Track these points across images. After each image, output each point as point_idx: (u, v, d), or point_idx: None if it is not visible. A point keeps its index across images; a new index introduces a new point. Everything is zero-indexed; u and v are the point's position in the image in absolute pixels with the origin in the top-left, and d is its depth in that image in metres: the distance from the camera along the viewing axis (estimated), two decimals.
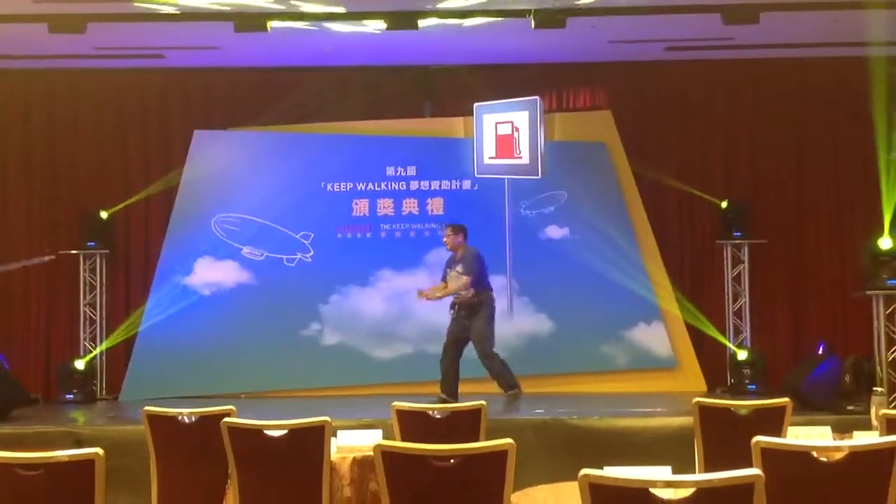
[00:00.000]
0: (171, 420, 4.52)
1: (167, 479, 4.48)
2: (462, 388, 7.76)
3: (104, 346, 9.16)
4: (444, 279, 7.89)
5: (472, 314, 7.69)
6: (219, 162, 9.37)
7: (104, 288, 9.28)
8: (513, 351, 8.78)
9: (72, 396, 8.73)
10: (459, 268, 7.71)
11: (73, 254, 9.21)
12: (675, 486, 2.69)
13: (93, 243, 9.13)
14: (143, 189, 9.34)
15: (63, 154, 9.35)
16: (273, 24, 7.64)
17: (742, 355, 8.83)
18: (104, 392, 9.12)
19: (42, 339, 9.34)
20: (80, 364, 8.89)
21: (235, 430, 4.02)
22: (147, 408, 4.60)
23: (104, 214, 9.14)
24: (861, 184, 9.33)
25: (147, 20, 7.72)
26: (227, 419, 4.10)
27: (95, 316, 9.23)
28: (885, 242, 7.92)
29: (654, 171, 9.31)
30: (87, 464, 3.18)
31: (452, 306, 7.77)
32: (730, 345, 9.11)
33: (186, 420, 4.50)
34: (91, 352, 9.13)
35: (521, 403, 7.55)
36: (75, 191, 9.42)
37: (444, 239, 7.91)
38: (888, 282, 7.75)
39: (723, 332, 9.17)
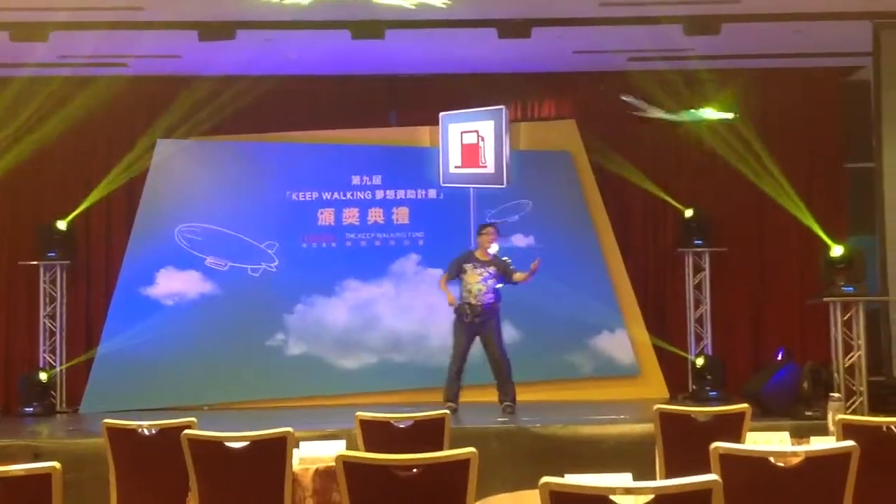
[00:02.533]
0: (131, 432, 4.47)
1: (127, 493, 4.43)
2: (432, 397, 7.75)
3: (70, 363, 9.05)
4: (457, 275, 7.52)
5: (489, 319, 7.47)
6: (182, 171, 9.32)
7: (64, 299, 9.18)
8: (477, 359, 8.77)
9: (31, 409, 8.61)
10: (492, 269, 7.49)
11: (33, 264, 9.09)
12: (635, 493, 2.71)
13: (53, 253, 9.02)
14: (104, 199, 9.25)
15: (24, 163, 9.22)
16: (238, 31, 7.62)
17: (702, 362, 8.92)
18: (64, 405, 9.01)
19: (0, 352, 9.20)
20: (42, 376, 8.77)
21: (196, 442, 3.99)
22: (106, 420, 4.55)
23: (62, 225, 9.02)
24: (820, 192, 9.49)
25: (110, 28, 7.67)
26: (187, 431, 4.06)
27: (55, 328, 9.12)
28: (836, 250, 8.04)
29: (618, 180, 9.41)
30: (44, 477, 3.13)
31: (465, 312, 7.42)
32: (690, 352, 9.21)
33: (146, 432, 4.45)
34: (51, 363, 9.01)
35: (479, 412, 7.55)
36: (37, 200, 9.31)
37: (496, 237, 7.59)
38: (844, 289, 7.86)
39: (685, 339, 9.26)
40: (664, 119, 8.72)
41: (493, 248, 7.60)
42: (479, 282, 7.45)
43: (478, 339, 7.56)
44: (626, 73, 9.20)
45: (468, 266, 7.51)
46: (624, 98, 8.54)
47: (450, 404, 7.32)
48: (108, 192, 9.28)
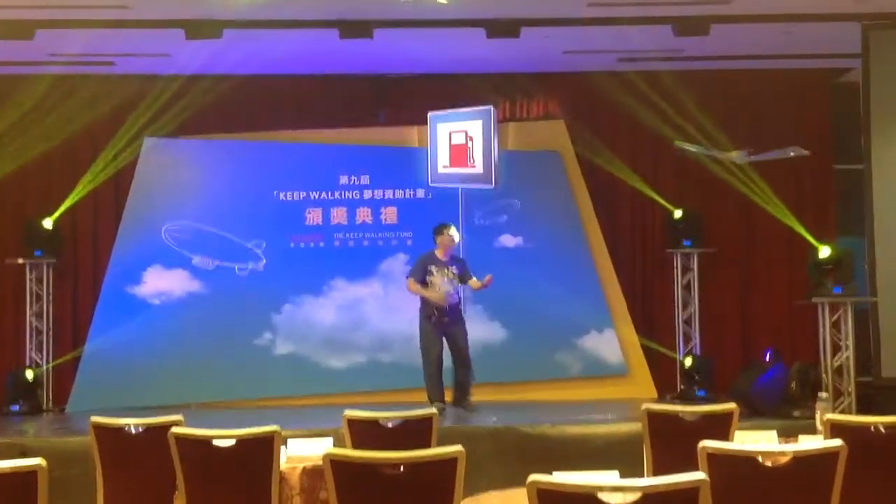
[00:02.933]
0: (118, 430, 4.45)
1: (113, 490, 4.41)
2: (419, 397, 7.74)
3: (56, 361, 9.00)
4: (422, 281, 7.61)
5: (457, 319, 7.65)
6: (169, 170, 9.28)
7: (51, 298, 9.12)
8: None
9: (17, 408, 8.55)
10: (455, 269, 7.61)
11: (20, 263, 9.04)
12: (622, 491, 2.71)
13: (39, 252, 8.97)
14: (91, 198, 9.21)
15: (10, 161, 9.16)
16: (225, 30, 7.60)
17: (690, 362, 8.94)
18: (51, 403, 8.96)
19: None
20: (30, 375, 8.72)
21: (183, 440, 3.98)
22: (94, 417, 4.53)
23: (48, 223, 8.96)
24: (810, 193, 9.52)
25: (96, 27, 7.63)
26: (174, 429, 4.05)
27: (42, 326, 9.06)
28: (824, 251, 8.07)
29: (607, 180, 9.42)
30: (29, 475, 3.12)
31: (432, 313, 7.54)
32: (678, 353, 9.23)
33: (133, 430, 4.44)
34: (37, 362, 8.96)
35: (474, 412, 7.57)
36: (23, 199, 9.26)
37: (457, 239, 7.73)
38: (833, 290, 7.89)
39: (672, 340, 9.28)
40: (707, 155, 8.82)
41: (450, 248, 7.68)
42: (444, 283, 7.55)
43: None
44: (615, 74, 9.21)
45: (433, 268, 7.60)
46: (680, 145, 8.64)
47: (438, 403, 7.35)
48: (94, 191, 9.23)
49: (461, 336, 7.67)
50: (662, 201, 9.37)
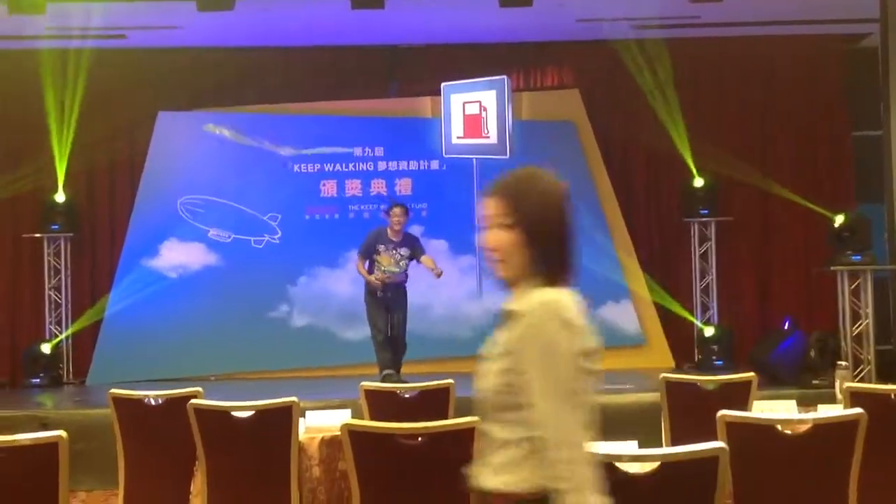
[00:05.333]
0: (138, 402, 4.48)
1: (134, 462, 4.45)
2: (436, 368, 7.77)
3: (70, 330, 9.06)
4: (369, 258, 7.56)
5: (402, 297, 7.63)
6: (184, 143, 9.28)
7: (69, 271, 9.17)
8: (482, 331, 8.77)
9: (38, 381, 8.64)
10: (403, 251, 7.53)
11: (37, 237, 9.09)
12: (641, 461, 2.71)
13: (56, 226, 9.00)
14: (107, 172, 9.24)
15: (25, 136, 9.18)
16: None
17: (708, 332, 8.90)
18: (71, 376, 9.04)
19: (7, 324, 9.20)
20: (45, 348, 8.78)
21: (202, 412, 3.99)
22: (113, 390, 4.55)
23: (63, 197, 8.98)
24: (826, 160, 9.42)
25: (107, 0, 7.59)
26: (193, 401, 4.06)
27: (61, 300, 9.12)
28: (843, 218, 8.00)
29: (622, 150, 9.35)
30: (50, 446, 3.14)
31: (375, 289, 7.49)
32: (696, 322, 9.19)
33: (153, 402, 4.46)
34: (57, 336, 9.03)
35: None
36: (39, 173, 9.27)
37: (403, 219, 7.54)
38: (852, 257, 7.83)
39: (690, 309, 9.24)
40: None
41: (400, 228, 7.56)
42: (392, 264, 7.50)
43: None
44: (630, 42, 9.11)
45: (381, 247, 7.52)
46: None
47: (388, 371, 7.42)
48: (110, 164, 9.25)
49: (400, 316, 7.64)
50: (689, 163, 9.15)
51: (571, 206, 2.32)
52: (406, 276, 7.63)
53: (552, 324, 2.12)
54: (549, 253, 2.22)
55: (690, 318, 9.20)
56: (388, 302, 7.57)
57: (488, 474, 2.18)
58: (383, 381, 7.02)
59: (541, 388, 2.09)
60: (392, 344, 7.60)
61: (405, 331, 7.68)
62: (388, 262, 7.48)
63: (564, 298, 2.18)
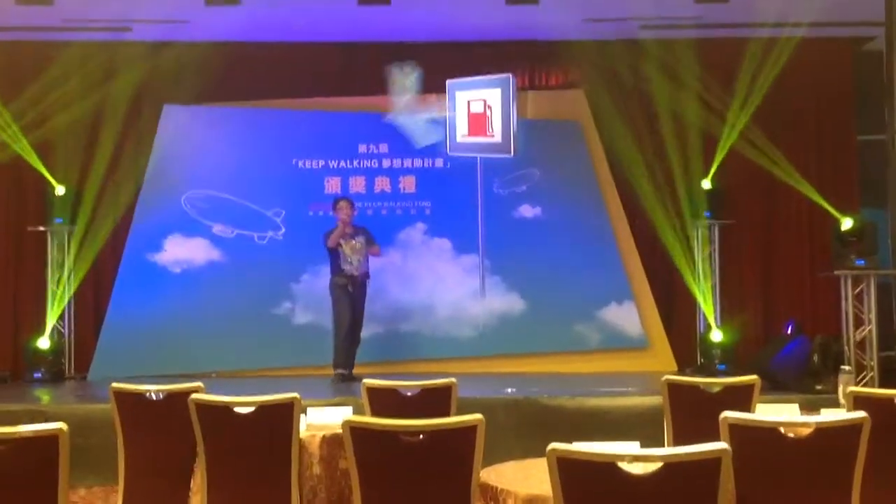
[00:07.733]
0: (139, 397, 4.46)
1: (134, 457, 4.43)
2: (438, 367, 7.76)
3: (72, 325, 9.06)
4: (335, 249, 7.85)
5: (363, 290, 7.93)
6: (189, 137, 9.28)
7: (72, 265, 9.15)
8: (484, 330, 8.79)
9: (39, 375, 8.64)
10: (362, 238, 7.85)
11: (41, 230, 9.08)
12: (643, 461, 2.69)
13: (60, 220, 9.00)
14: (112, 165, 9.23)
15: (30, 128, 9.17)
16: None
17: (711, 335, 8.88)
18: (73, 371, 9.03)
19: (9, 318, 9.20)
20: (46, 343, 8.78)
21: (203, 407, 3.98)
22: (114, 384, 4.54)
23: (66, 191, 8.97)
24: (831, 164, 9.39)
25: None
26: (194, 395, 4.05)
27: (63, 294, 9.10)
28: (847, 223, 7.97)
29: (627, 151, 9.31)
30: (50, 439, 3.12)
31: (344, 283, 7.82)
32: (699, 325, 9.16)
33: (154, 397, 4.45)
34: (59, 330, 9.02)
35: (486, 383, 7.58)
36: (43, 167, 9.26)
37: (350, 212, 7.90)
38: (856, 262, 7.80)
39: (693, 313, 9.22)
40: None
41: (350, 220, 7.93)
42: (355, 252, 7.82)
43: None
44: (636, 42, 9.09)
45: (342, 241, 7.85)
46: None
47: (341, 370, 7.70)
48: (114, 159, 9.24)
49: (361, 310, 7.95)
50: (694, 165, 9.16)
51: None
52: (366, 270, 7.90)
53: None
54: None
55: (693, 321, 9.17)
56: (352, 297, 7.85)
57: None
58: (335, 380, 7.49)
59: None
60: (352, 336, 7.84)
61: (361, 326, 7.98)
62: (350, 251, 7.81)
63: None
